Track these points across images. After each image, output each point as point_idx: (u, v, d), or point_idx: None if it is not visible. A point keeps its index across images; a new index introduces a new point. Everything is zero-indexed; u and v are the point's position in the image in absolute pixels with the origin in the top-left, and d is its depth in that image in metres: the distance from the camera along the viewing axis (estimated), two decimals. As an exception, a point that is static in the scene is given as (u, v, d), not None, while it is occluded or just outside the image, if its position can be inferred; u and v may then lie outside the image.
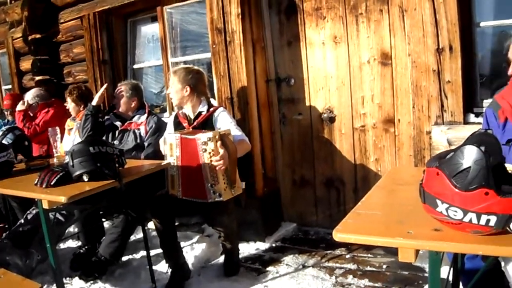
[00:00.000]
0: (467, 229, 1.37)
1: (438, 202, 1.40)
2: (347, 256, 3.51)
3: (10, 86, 6.51)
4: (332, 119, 3.83)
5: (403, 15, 3.30)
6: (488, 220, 1.32)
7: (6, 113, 5.21)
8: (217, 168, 2.97)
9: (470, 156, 1.34)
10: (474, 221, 1.33)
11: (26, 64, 5.88)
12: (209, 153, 2.96)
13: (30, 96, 4.83)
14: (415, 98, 3.19)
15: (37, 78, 5.47)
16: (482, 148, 1.33)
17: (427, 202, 1.45)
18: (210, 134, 2.96)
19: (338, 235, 1.56)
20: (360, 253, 3.52)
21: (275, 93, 4.05)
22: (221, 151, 2.94)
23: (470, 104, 3.14)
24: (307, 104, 3.93)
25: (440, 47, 3.02)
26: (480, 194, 1.31)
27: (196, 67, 3.52)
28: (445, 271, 2.20)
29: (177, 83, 3.36)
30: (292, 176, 4.15)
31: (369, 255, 3.46)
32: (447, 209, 1.38)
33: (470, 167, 1.33)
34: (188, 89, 3.34)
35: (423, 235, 1.44)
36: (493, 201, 1.30)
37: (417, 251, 1.46)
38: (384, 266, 3.26)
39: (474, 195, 1.32)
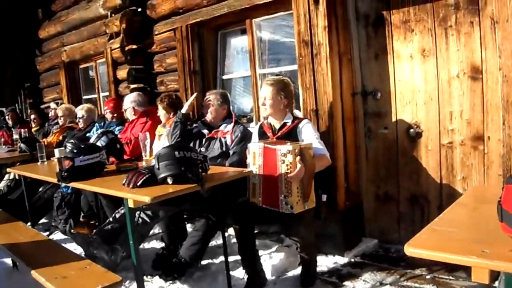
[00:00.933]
0: (546, 252, 1.28)
1: (516, 221, 1.32)
2: (428, 277, 3.37)
3: (107, 93, 6.88)
4: (418, 135, 3.73)
5: (495, 27, 3.15)
6: None
7: (109, 115, 5.45)
8: (292, 183, 2.99)
9: (553, 174, 1.26)
10: (554, 243, 1.24)
11: (122, 73, 6.20)
12: (287, 165, 2.98)
13: (128, 100, 5.06)
14: (506, 115, 3.04)
15: (132, 86, 5.76)
16: None
17: (504, 220, 1.39)
18: (290, 146, 2.97)
19: (409, 249, 1.53)
20: (442, 274, 3.37)
21: (361, 106, 4.01)
22: (299, 166, 2.95)
23: None
24: (394, 118, 3.85)
25: (534, 61, 2.86)
26: (562, 216, 1.21)
27: (287, 78, 3.56)
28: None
29: (276, 95, 3.39)
30: (376, 191, 4.07)
31: (451, 278, 3.30)
32: (525, 229, 1.29)
33: (551, 185, 1.24)
34: (286, 102, 3.41)
35: (499, 256, 1.37)
36: None
37: (491, 272, 1.39)
38: (465, 291, 3.10)
39: (554, 215, 1.22)
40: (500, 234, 1.44)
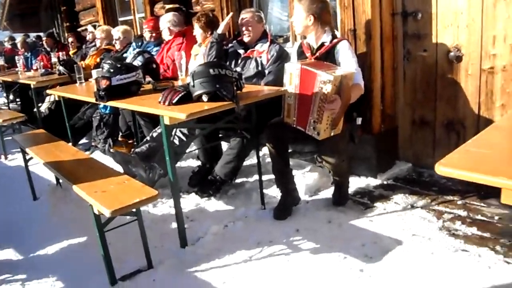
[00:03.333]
0: None
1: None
2: (459, 202, 3.38)
3: (143, 15, 6.86)
4: (459, 58, 3.61)
5: None
6: None
7: (148, 34, 5.43)
8: (325, 112, 2.98)
9: None
10: None
11: (158, -7, 6.16)
12: (324, 93, 2.95)
13: (164, 20, 5.02)
14: (551, 39, 2.92)
15: (167, 6, 5.73)
16: None
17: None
18: (331, 76, 2.91)
19: (440, 168, 1.51)
20: (473, 201, 3.37)
21: (400, 27, 3.88)
22: (337, 101, 2.95)
23: None
24: (434, 41, 3.72)
25: None
26: None
27: None
28: None
29: (301, 11, 3.31)
30: (412, 115, 4.01)
31: (482, 204, 3.30)
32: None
33: None
34: (312, 18, 3.30)
35: (531, 178, 1.34)
36: None
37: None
38: (496, 217, 3.09)
39: None
40: (537, 158, 1.39)
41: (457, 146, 3.45)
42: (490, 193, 3.28)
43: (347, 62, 3.23)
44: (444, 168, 1.51)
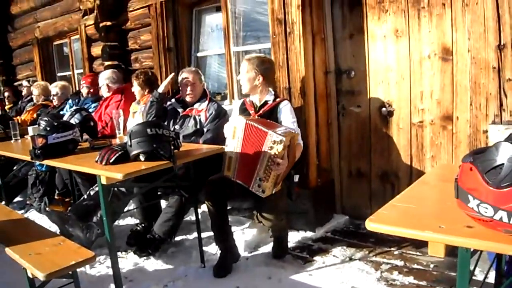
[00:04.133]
0: (498, 228, 1.34)
1: (470, 197, 1.37)
2: (395, 252, 3.47)
3: (81, 71, 6.82)
4: (390, 113, 3.79)
5: (465, 9, 3.20)
6: (519, 220, 1.27)
7: (85, 90, 5.38)
8: (273, 171, 3.00)
9: (504, 153, 1.30)
10: (505, 219, 1.29)
11: (96, 50, 6.16)
12: (274, 153, 2.97)
13: (102, 77, 5.01)
14: (473, 96, 3.11)
15: (106, 63, 5.73)
16: (518, 145, 1.28)
17: (460, 197, 1.43)
18: (283, 137, 2.93)
19: (370, 224, 1.59)
20: (409, 250, 3.47)
21: (333, 84, 4.05)
22: (285, 161, 2.99)
23: (530, 104, 3.02)
24: (367, 97, 3.91)
25: (502, 43, 2.92)
26: (512, 193, 1.27)
27: (268, 57, 3.61)
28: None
29: (251, 71, 3.43)
30: (348, 168, 4.15)
31: (418, 253, 3.40)
32: (478, 206, 1.35)
33: (503, 164, 1.29)
34: (261, 78, 3.42)
35: (454, 231, 1.43)
36: (525, 201, 1.26)
37: (447, 246, 1.45)
38: (432, 265, 3.19)
39: (505, 193, 1.28)
40: (457, 211, 1.48)
41: (392, 197, 3.55)
42: (425, 241, 3.38)
43: (288, 122, 3.33)
44: (374, 224, 1.58)
